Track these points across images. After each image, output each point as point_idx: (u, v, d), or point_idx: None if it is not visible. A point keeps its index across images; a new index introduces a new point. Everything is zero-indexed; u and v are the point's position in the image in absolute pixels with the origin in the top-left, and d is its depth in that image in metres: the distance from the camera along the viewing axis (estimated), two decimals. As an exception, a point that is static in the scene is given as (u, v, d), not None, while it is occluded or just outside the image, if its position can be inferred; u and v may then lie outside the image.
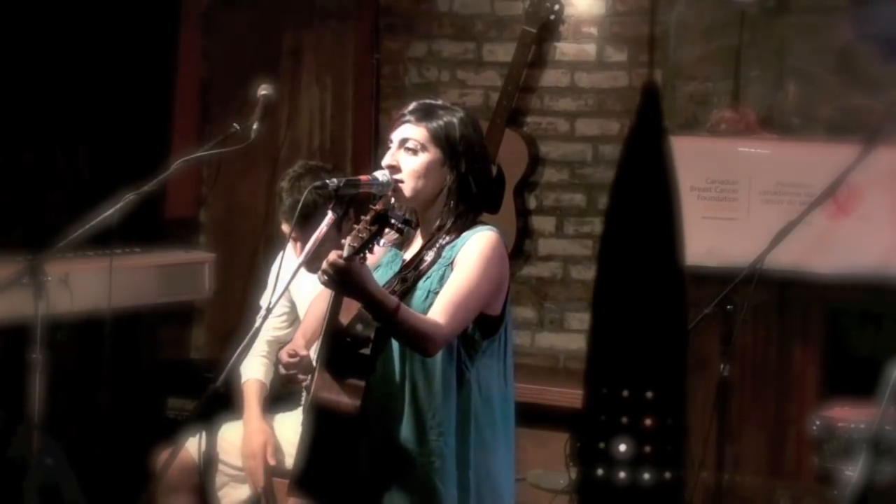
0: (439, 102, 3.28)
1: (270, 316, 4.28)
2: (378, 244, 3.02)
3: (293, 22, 5.93)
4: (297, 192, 4.07)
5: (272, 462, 4.18)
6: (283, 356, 3.30)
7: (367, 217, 3.00)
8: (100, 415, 4.91)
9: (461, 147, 3.19)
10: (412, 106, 3.25)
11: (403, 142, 3.20)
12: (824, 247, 4.89)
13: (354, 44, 5.90)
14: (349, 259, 2.95)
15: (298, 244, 4.05)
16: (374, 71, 5.93)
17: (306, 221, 3.86)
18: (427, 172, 3.18)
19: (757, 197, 5.08)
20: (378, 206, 3.04)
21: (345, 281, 2.97)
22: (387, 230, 3.06)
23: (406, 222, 3.10)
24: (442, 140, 3.18)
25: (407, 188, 3.18)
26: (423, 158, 3.18)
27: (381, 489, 3.16)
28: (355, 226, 3.02)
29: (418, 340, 3.07)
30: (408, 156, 3.19)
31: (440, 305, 3.08)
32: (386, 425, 3.15)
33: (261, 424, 4.23)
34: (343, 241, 3.00)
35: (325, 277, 2.98)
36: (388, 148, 3.23)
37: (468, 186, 3.20)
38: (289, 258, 3.87)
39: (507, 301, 3.24)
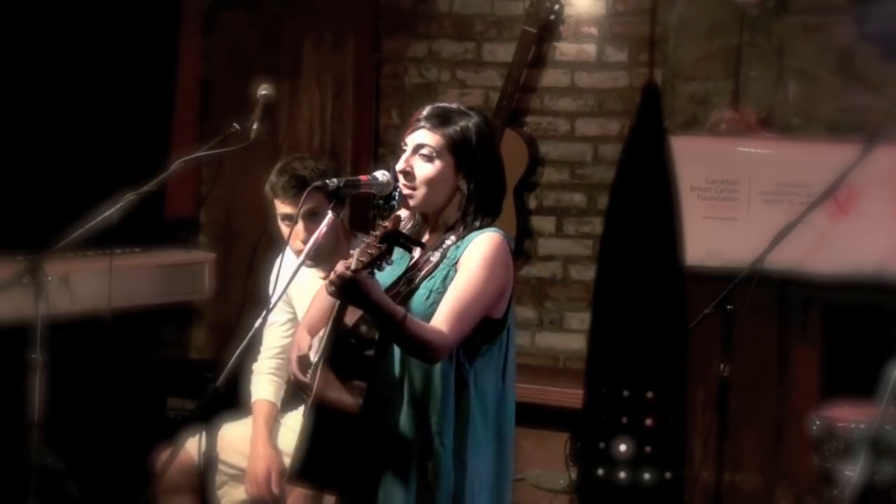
0: (454, 107, 3.22)
1: (274, 326, 4.31)
2: (388, 262, 2.98)
3: (293, 22, 5.93)
4: (288, 170, 4.08)
5: (276, 491, 4.14)
6: (295, 371, 3.30)
7: (377, 233, 2.97)
8: (100, 415, 4.91)
9: (476, 154, 3.16)
10: (428, 111, 3.19)
11: (418, 148, 3.15)
12: (824, 247, 4.89)
13: (354, 44, 5.90)
14: (356, 272, 2.94)
15: (289, 227, 4.03)
16: (374, 71, 5.93)
17: (298, 195, 3.89)
18: (440, 180, 3.14)
19: (757, 197, 5.08)
20: (388, 224, 2.99)
21: (352, 293, 2.97)
22: (396, 248, 3.02)
23: (415, 243, 3.05)
24: (457, 147, 3.14)
25: (419, 194, 3.15)
26: (437, 166, 3.14)
27: (378, 488, 3.16)
28: (365, 239, 3.01)
29: (422, 350, 3.06)
30: (422, 162, 3.15)
31: (443, 313, 3.06)
32: (384, 425, 3.15)
33: (267, 450, 4.18)
34: (351, 252, 2.99)
35: (333, 288, 2.98)
36: (402, 151, 3.18)
37: (481, 192, 3.18)
38: (288, 260, 3.83)
39: (511, 304, 3.23)
